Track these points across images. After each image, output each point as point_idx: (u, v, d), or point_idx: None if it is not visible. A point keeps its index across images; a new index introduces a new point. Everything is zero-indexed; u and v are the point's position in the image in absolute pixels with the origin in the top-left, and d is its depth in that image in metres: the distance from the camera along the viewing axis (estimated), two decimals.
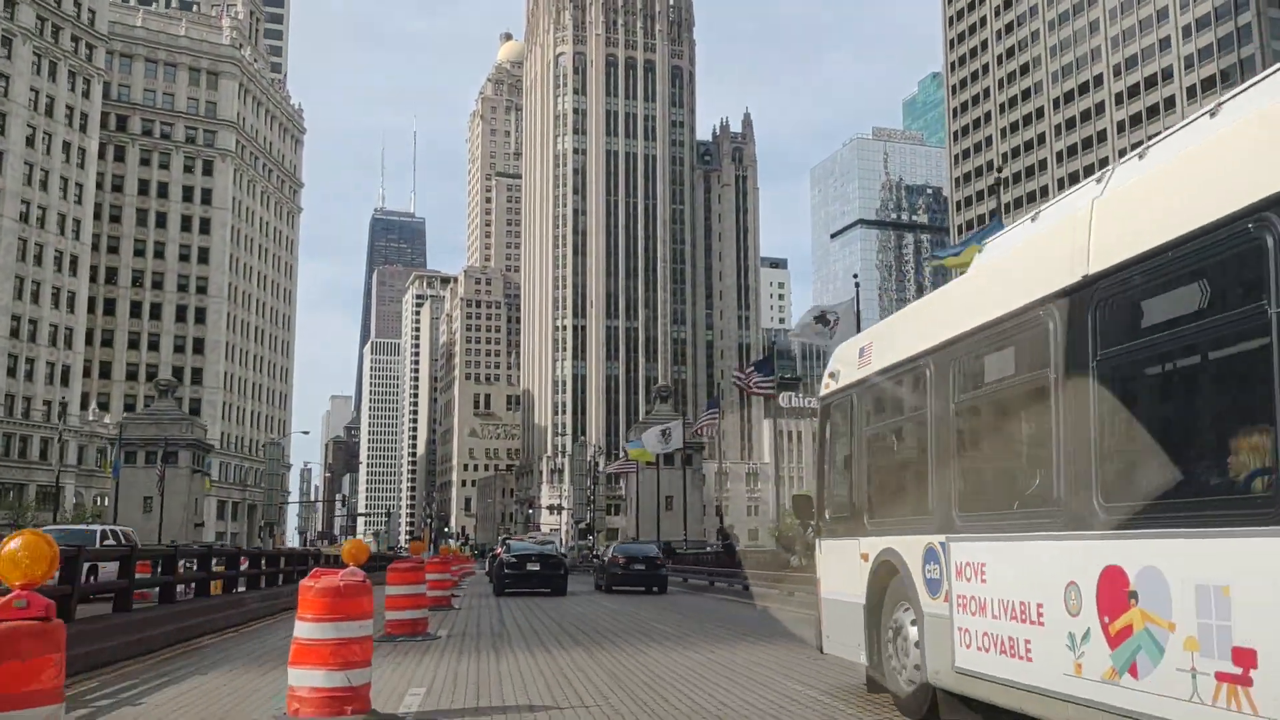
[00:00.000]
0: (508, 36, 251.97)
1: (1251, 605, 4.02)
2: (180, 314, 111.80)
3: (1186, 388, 4.85)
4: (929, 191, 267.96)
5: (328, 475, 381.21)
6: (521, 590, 26.81)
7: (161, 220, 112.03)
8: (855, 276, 36.43)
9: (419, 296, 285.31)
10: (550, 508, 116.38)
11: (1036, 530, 5.65)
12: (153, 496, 59.25)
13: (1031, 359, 5.77)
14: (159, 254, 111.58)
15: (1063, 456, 5.39)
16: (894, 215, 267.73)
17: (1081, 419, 5.22)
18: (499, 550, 33.13)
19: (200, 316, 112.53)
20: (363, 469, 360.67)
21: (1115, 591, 4.92)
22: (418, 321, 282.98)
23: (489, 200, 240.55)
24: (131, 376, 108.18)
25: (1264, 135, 4.19)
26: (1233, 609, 4.13)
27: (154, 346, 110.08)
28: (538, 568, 27.10)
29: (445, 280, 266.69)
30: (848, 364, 8.92)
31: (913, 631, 7.12)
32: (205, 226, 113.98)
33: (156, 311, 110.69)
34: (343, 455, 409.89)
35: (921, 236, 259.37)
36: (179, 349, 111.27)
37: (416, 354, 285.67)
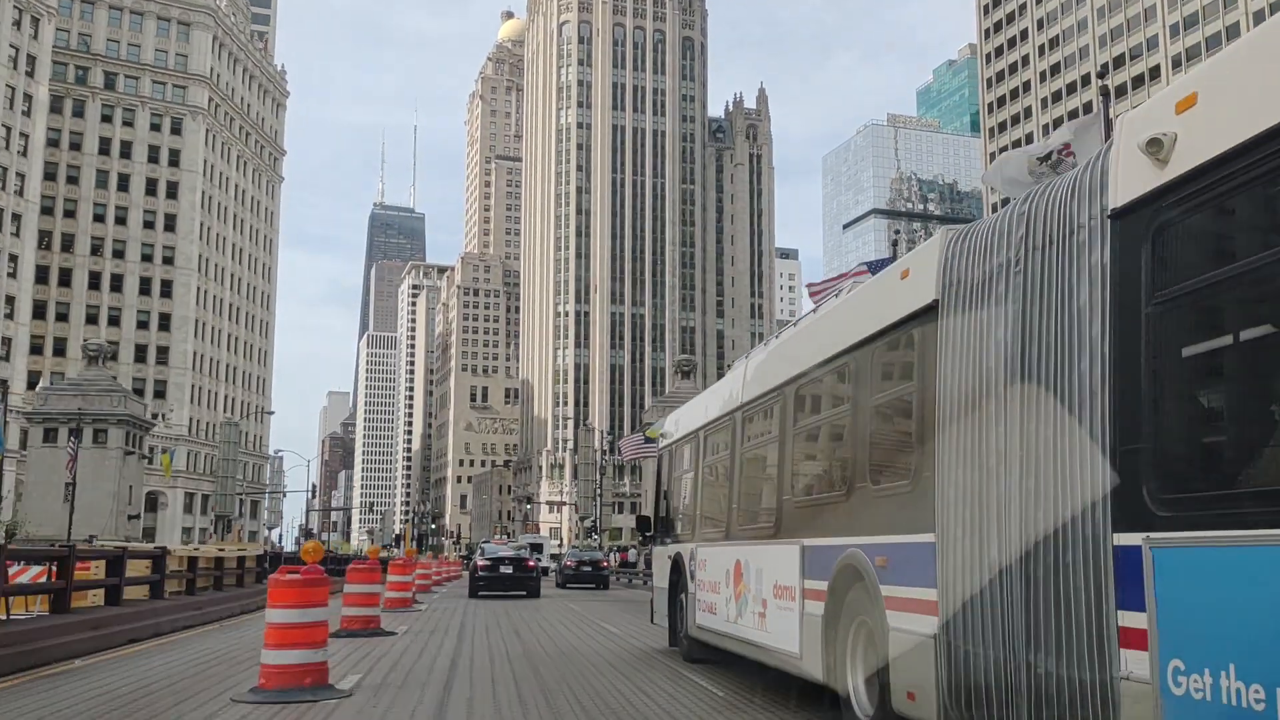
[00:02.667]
0: (509, 15, 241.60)
1: (765, 574, 8.95)
2: (144, 286, 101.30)
3: (756, 475, 9.95)
4: (943, 184, 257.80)
5: (324, 472, 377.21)
6: (495, 593, 28.23)
7: (124, 183, 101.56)
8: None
9: (415, 287, 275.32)
10: (550, 504, 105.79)
11: (718, 542, 10.78)
12: (79, 482, 48.70)
13: (727, 447, 10.73)
14: (121, 220, 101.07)
15: (730, 507, 10.54)
16: (908, 206, 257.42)
17: (731, 489, 10.53)
18: (475, 555, 34.03)
19: (166, 290, 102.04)
20: (358, 465, 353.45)
21: (737, 572, 9.81)
22: (414, 312, 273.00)
23: (488, 185, 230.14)
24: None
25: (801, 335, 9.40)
26: (763, 578, 9.02)
27: (115, 322, 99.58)
28: (510, 570, 28.65)
29: (442, 270, 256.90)
30: (668, 430, 14.18)
31: (686, 601, 12.05)
32: (173, 190, 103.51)
33: (118, 283, 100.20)
34: (339, 452, 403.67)
35: (938, 228, 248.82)
36: (142, 325, 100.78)
37: (412, 346, 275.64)
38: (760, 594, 8.97)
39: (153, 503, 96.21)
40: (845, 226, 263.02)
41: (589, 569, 37.48)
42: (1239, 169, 3.77)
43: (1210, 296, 4.00)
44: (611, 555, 55.44)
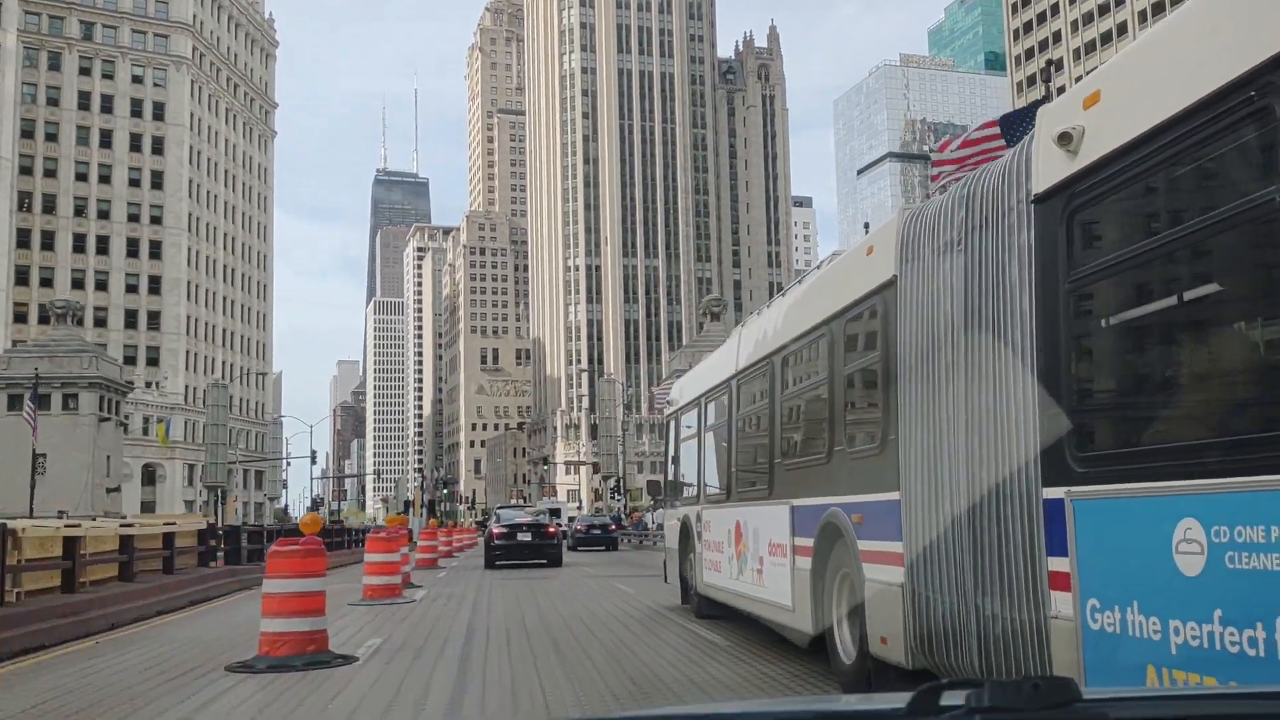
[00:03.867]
0: None
1: (762, 533, 9.32)
2: (132, 248, 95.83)
3: (751, 440, 10.37)
4: (957, 126, 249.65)
5: (336, 441, 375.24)
6: (513, 563, 26.45)
7: (107, 139, 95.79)
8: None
9: (420, 250, 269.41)
10: (568, 464, 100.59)
11: (720, 504, 11.18)
12: (48, 452, 43.57)
13: (725, 413, 11.09)
14: (105, 178, 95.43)
15: (729, 471, 11.01)
16: (925, 150, 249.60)
17: (730, 454, 10.99)
18: (490, 521, 31.53)
19: (156, 251, 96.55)
20: (369, 434, 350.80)
21: (737, 532, 10.19)
22: (419, 276, 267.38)
23: (491, 141, 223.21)
24: (76, 322, 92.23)
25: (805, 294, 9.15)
26: (759, 537, 9.37)
27: (102, 286, 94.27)
28: (529, 538, 26.72)
29: (447, 231, 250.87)
30: (674, 397, 14.45)
31: (694, 561, 12.58)
32: (158, 146, 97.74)
33: (104, 245, 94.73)
34: (351, 421, 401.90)
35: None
36: (131, 289, 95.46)
37: (419, 309, 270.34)
38: (758, 552, 9.52)
39: (150, 475, 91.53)
40: (860, 172, 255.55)
41: (598, 532, 40.55)
42: (1136, 159, 4.15)
43: (1115, 275, 4.39)
44: (621, 517, 56.65)
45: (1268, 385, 3.70)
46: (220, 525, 26.36)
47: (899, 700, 1.25)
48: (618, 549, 39.79)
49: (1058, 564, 4.52)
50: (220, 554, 18.18)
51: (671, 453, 14.25)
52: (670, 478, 14.27)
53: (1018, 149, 5.20)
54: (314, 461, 73.33)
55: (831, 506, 7.39)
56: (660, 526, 43.97)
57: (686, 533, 12.99)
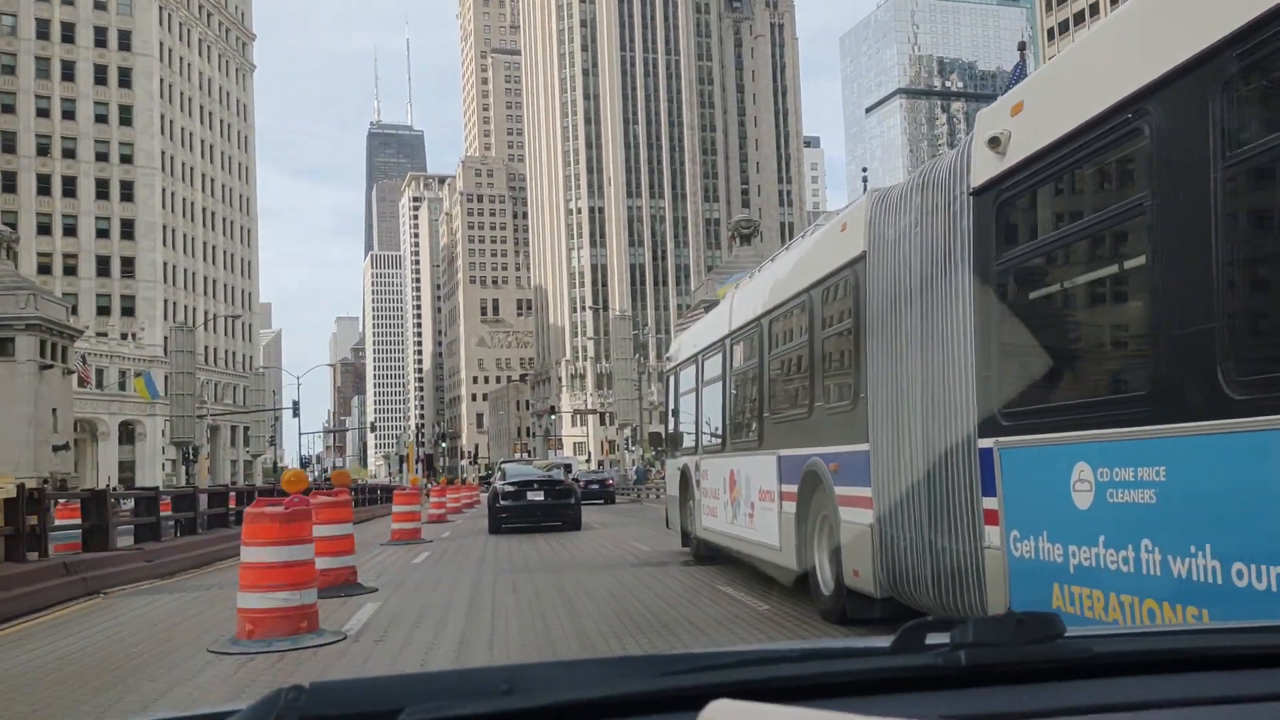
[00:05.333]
0: None
1: (753, 481, 10.00)
2: (101, 189, 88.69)
3: (743, 395, 11.06)
4: (963, 64, 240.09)
5: (337, 398, 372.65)
6: (522, 525, 22.41)
7: (70, 71, 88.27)
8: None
9: (416, 199, 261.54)
10: (578, 413, 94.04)
11: (717, 454, 11.94)
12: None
13: (721, 369, 11.83)
14: (69, 114, 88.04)
15: (724, 423, 11.63)
16: (937, 85, 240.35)
17: (724, 408, 11.64)
18: (494, 478, 27.24)
19: (127, 192, 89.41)
20: (369, 390, 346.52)
21: (731, 480, 10.94)
22: (416, 226, 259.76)
23: (486, 84, 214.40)
24: (44, 270, 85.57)
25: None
26: (750, 484, 10.10)
27: (70, 231, 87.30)
28: (541, 497, 22.77)
29: (443, 180, 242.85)
30: (674, 354, 15.32)
31: (693, 507, 13.24)
32: (126, 79, 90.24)
33: (71, 187, 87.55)
34: (351, 378, 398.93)
35: (968, 106, 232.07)
36: (102, 233, 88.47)
37: (416, 261, 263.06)
38: (749, 498, 10.34)
39: (130, 433, 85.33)
40: (868, 110, 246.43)
41: (596, 487, 42.14)
42: (1049, 163, 4.85)
43: (1030, 260, 5.16)
44: (628, 471, 56.57)
45: (1136, 354, 4.52)
46: (162, 488, 20.85)
47: (884, 640, 1.28)
48: (614, 502, 42.07)
49: (989, 503, 5.33)
50: (46, 542, 11.40)
51: (671, 405, 15.28)
52: (670, 429, 15.24)
53: (961, 146, 5.97)
54: (295, 414, 66.81)
55: (812, 456, 8.35)
56: (639, 480, 49.98)
57: (686, 481, 13.97)
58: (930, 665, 1.20)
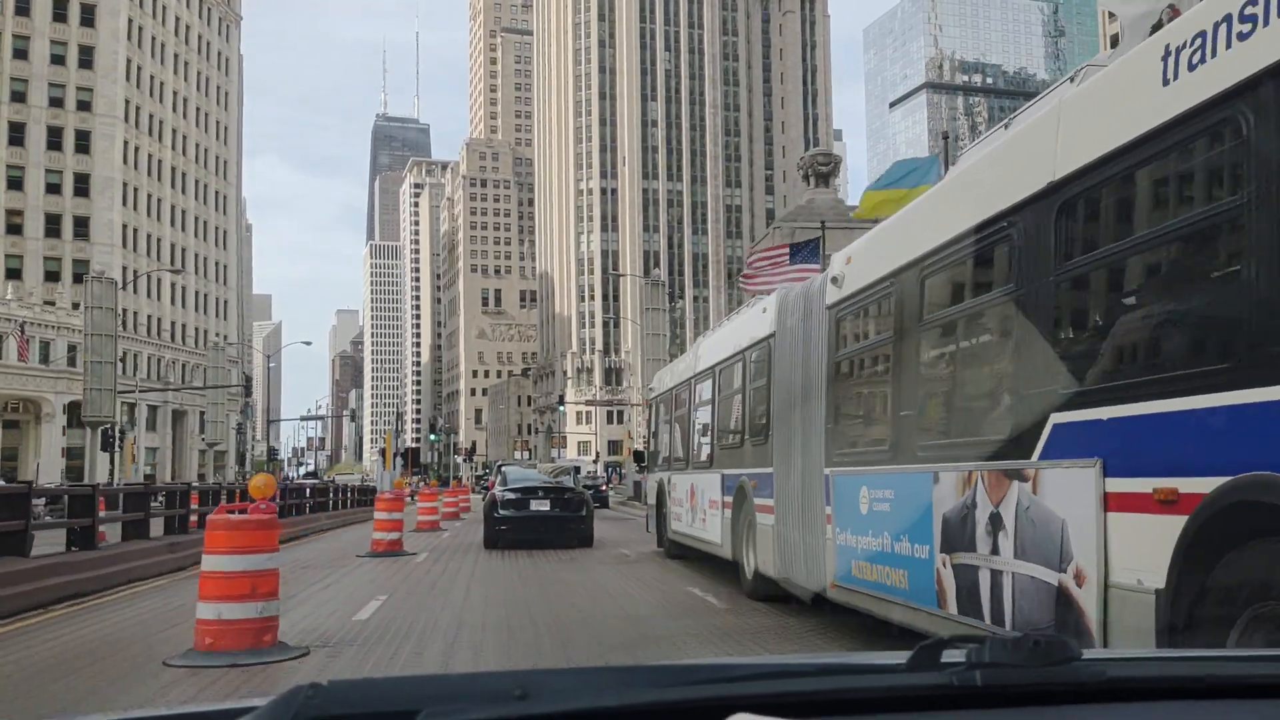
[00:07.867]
0: None
1: (705, 492, 13.87)
2: (54, 139, 78.27)
3: (701, 425, 15.51)
4: (986, 64, 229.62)
5: (336, 392, 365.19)
6: (524, 540, 19.29)
7: (23, 4, 77.94)
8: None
9: (417, 186, 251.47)
10: (589, 404, 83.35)
11: (682, 471, 15.58)
12: None
13: (687, 403, 16.04)
14: (20, 53, 77.62)
15: (688, 445, 15.60)
16: (963, 81, 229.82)
17: (687, 433, 15.99)
18: (492, 482, 23.68)
19: (83, 143, 78.98)
20: (367, 383, 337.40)
21: (692, 492, 14.71)
22: (416, 213, 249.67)
23: (494, 63, 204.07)
24: None
25: None
26: (704, 496, 13.94)
27: (16, 185, 76.85)
28: (547, 507, 19.88)
29: (445, 166, 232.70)
30: (654, 385, 19.44)
31: (666, 515, 16.85)
32: (88, 16, 79.88)
33: (18, 135, 77.10)
34: (350, 370, 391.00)
35: (995, 103, 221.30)
36: (53, 188, 78.01)
37: (416, 249, 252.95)
38: (703, 506, 13.93)
39: (78, 417, 74.69)
40: (892, 105, 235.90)
41: (589, 492, 41.35)
42: (865, 297, 8.12)
43: (854, 360, 8.60)
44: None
45: (889, 423, 7.56)
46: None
47: (900, 656, 1.29)
48: (608, 506, 41.51)
49: (828, 510, 8.53)
50: None
51: (653, 429, 19.39)
52: (651, 449, 19.28)
53: (826, 273, 9.38)
54: (248, 394, 56.25)
55: (742, 475, 11.75)
56: (597, 493, 55.65)
57: (661, 492, 17.67)
58: (945, 684, 1.20)
